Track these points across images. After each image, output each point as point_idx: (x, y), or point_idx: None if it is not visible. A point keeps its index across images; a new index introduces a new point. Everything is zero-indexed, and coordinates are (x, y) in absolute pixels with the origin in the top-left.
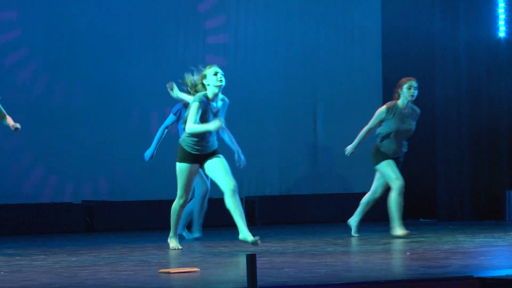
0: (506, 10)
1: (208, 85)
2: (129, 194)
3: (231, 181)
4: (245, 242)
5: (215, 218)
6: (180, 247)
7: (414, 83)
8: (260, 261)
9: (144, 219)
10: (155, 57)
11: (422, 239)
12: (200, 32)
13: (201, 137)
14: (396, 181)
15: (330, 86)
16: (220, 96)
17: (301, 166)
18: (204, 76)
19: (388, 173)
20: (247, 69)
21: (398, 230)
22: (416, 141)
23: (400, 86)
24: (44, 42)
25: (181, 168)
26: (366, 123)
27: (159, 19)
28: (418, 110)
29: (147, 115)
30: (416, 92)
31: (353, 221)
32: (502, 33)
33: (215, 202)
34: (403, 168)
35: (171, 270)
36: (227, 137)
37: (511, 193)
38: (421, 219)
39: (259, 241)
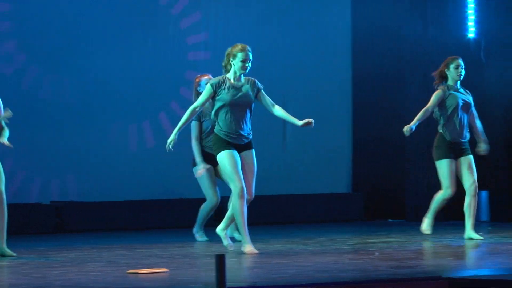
0: (475, 10)
1: (233, 65)
2: (97, 195)
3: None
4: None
5: (182, 219)
6: (256, 251)
7: (461, 62)
8: (229, 262)
9: (112, 219)
10: (132, 57)
11: (391, 239)
12: (179, 36)
13: (235, 122)
14: (447, 189)
15: (300, 86)
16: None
17: (271, 166)
18: (234, 56)
19: (443, 176)
20: (219, 69)
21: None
22: (385, 142)
23: (447, 66)
24: (29, 38)
25: (221, 157)
26: (336, 123)
27: (135, 21)
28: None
29: (120, 117)
30: (463, 72)
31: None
32: (471, 34)
33: (181, 202)
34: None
35: (140, 271)
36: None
37: (479, 193)
38: (389, 220)
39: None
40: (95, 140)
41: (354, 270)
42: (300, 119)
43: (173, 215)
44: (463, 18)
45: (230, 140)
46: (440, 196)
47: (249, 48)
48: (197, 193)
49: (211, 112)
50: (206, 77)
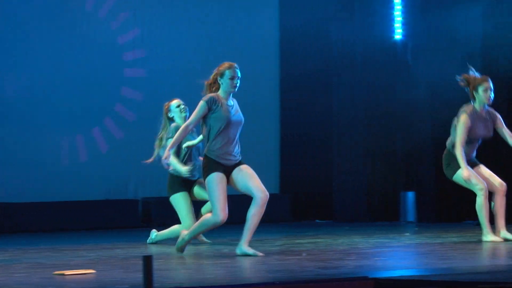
0: (402, 12)
1: (221, 84)
2: (23, 196)
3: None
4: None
5: (109, 220)
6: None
7: (490, 85)
8: (156, 263)
9: (38, 221)
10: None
11: (318, 240)
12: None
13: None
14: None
15: None
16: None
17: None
18: (222, 74)
19: (468, 183)
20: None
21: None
22: (313, 143)
23: (475, 88)
24: None
25: (211, 179)
26: (264, 125)
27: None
28: (496, 113)
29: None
30: (493, 94)
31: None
32: (398, 35)
33: (108, 204)
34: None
35: (66, 272)
36: None
37: (405, 194)
38: (317, 220)
39: (258, 253)
40: (27, 146)
41: (282, 271)
42: None
43: (100, 217)
44: (390, 20)
45: (221, 162)
46: (479, 201)
47: (236, 65)
48: (123, 194)
49: (192, 136)
50: (175, 101)
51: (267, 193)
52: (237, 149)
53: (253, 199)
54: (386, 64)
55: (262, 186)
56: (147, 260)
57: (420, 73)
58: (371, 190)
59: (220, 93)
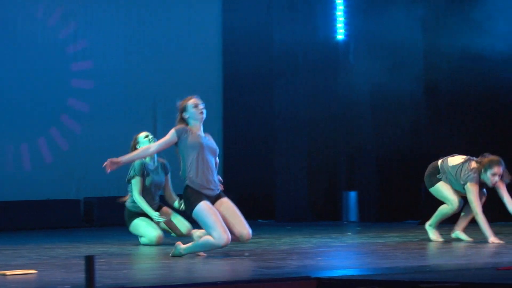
0: (344, 12)
1: (188, 117)
2: None
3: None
4: None
5: (51, 220)
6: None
7: (501, 170)
8: (98, 263)
9: None
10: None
11: (260, 239)
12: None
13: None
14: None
15: (171, 87)
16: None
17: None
18: (184, 109)
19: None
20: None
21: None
22: (255, 142)
23: (484, 167)
24: None
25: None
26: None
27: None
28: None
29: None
30: (497, 178)
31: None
32: (340, 35)
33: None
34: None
35: (7, 272)
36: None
37: (347, 194)
38: (259, 220)
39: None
40: None
41: (224, 271)
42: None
43: (42, 217)
44: (332, 20)
45: (203, 192)
46: (446, 211)
47: (195, 96)
48: (65, 194)
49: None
50: (143, 133)
51: (251, 231)
52: (216, 179)
53: (236, 235)
54: (328, 64)
55: (246, 224)
56: (89, 260)
57: (362, 74)
58: (313, 190)
59: (191, 125)
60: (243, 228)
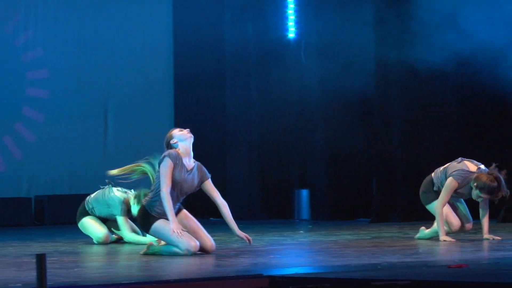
0: (295, 11)
1: (177, 142)
2: None
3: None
4: None
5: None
6: None
7: (488, 197)
8: (49, 261)
9: None
10: None
11: (213, 237)
12: None
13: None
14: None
15: (122, 84)
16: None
17: (91, 164)
18: (171, 137)
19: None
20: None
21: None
22: (207, 141)
23: (477, 184)
24: None
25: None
26: (158, 123)
27: None
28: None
29: None
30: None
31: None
32: (291, 34)
33: None
34: None
35: None
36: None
37: (299, 192)
38: (211, 218)
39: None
40: None
41: (177, 269)
42: (121, 118)
43: None
44: (283, 19)
45: (161, 217)
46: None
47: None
48: (16, 192)
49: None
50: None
51: (214, 243)
52: (178, 204)
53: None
54: (280, 63)
55: (208, 236)
56: (40, 259)
57: (314, 72)
58: (266, 188)
59: (181, 150)
60: (207, 240)
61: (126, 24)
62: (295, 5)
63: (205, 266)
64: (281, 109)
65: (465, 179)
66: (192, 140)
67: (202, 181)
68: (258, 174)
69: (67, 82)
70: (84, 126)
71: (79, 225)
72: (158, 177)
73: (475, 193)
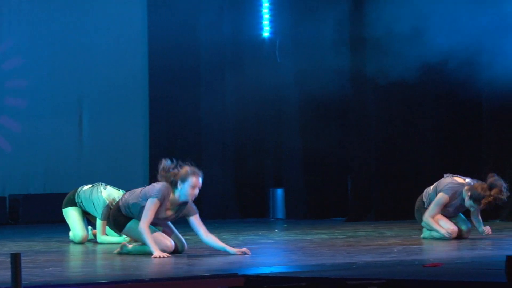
0: (270, 10)
1: (181, 189)
2: None
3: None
4: None
5: None
6: None
7: (477, 209)
8: (24, 260)
9: None
10: None
11: (187, 237)
12: None
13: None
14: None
15: (96, 81)
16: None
17: (66, 163)
18: (183, 179)
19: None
20: (18, 63)
21: None
22: (182, 140)
23: (471, 195)
24: None
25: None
26: (132, 120)
27: None
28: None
29: None
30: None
31: None
32: (266, 33)
33: None
34: None
35: None
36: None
37: (274, 191)
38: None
39: None
40: None
41: (151, 268)
42: (96, 116)
43: None
44: (258, 17)
45: None
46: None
47: (200, 173)
48: None
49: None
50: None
51: (186, 244)
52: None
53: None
54: (255, 62)
55: (181, 237)
56: (15, 258)
57: (289, 71)
58: (240, 187)
59: (175, 194)
60: (179, 241)
61: (101, 22)
62: (270, 3)
63: (180, 265)
64: (256, 108)
65: (456, 191)
66: (192, 200)
67: (186, 215)
68: (233, 173)
69: (42, 80)
70: (59, 125)
71: (64, 211)
72: (144, 198)
73: (467, 203)
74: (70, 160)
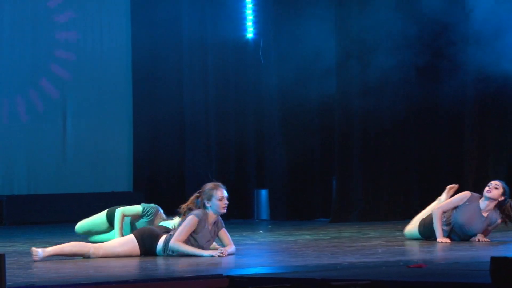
0: (253, 11)
1: (211, 207)
2: None
3: None
4: None
5: None
6: None
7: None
8: (8, 261)
9: None
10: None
11: None
12: None
13: None
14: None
15: (80, 83)
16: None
17: (50, 164)
18: (208, 197)
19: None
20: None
21: None
22: (165, 139)
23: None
24: None
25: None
26: (116, 121)
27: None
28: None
29: None
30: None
31: None
32: (249, 34)
33: None
34: None
35: None
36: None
37: (258, 192)
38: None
39: None
40: None
41: (136, 269)
42: (79, 118)
43: None
44: (242, 19)
45: None
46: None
47: (220, 184)
48: None
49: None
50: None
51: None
52: None
53: None
54: (239, 62)
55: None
56: (0, 259)
57: (272, 72)
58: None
59: (210, 212)
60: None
61: (84, 22)
62: (253, 5)
63: (165, 266)
64: (240, 109)
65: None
66: (225, 211)
67: (217, 232)
68: (217, 175)
69: (25, 81)
70: (42, 126)
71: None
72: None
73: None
74: (54, 162)
